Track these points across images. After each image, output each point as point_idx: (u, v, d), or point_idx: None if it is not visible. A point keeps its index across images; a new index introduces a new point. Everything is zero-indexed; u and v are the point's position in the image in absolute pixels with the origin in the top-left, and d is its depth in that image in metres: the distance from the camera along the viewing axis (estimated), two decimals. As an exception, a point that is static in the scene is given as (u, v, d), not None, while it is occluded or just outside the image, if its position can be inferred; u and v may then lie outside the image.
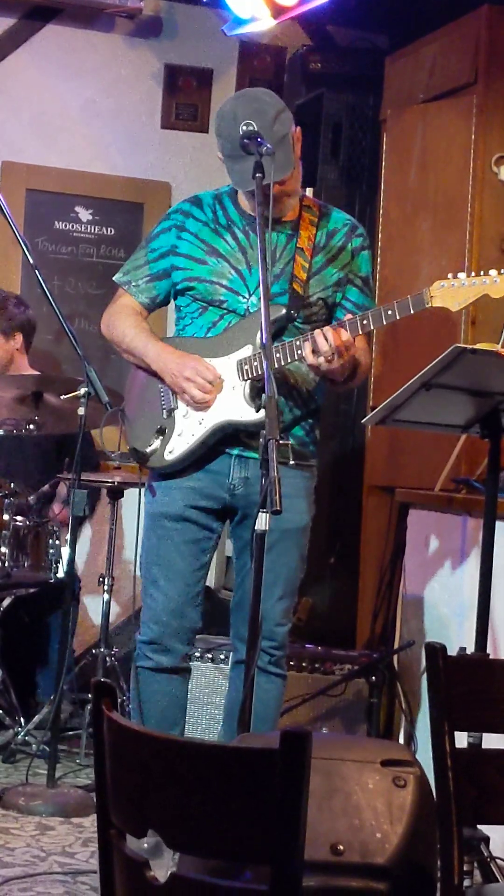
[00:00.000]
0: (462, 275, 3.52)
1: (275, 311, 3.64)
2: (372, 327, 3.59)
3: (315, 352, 3.54)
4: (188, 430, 3.74)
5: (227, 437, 3.72)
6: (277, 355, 3.61)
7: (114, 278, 3.96)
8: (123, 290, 3.91)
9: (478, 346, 3.59)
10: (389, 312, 3.54)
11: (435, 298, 3.52)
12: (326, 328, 3.56)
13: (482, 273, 3.49)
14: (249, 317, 3.69)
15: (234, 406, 3.69)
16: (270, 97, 3.67)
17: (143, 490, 3.87)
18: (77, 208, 6.11)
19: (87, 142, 6.10)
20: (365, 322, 3.57)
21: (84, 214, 6.12)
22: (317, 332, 3.56)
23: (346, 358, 3.56)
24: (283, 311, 3.68)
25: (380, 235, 5.35)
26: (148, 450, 3.77)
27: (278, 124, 3.58)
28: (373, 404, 5.22)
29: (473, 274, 3.51)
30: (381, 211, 5.41)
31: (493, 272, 3.47)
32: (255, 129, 3.52)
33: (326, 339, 3.52)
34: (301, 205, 3.81)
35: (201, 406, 3.71)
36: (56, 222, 6.10)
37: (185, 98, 6.22)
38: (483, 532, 3.66)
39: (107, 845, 1.75)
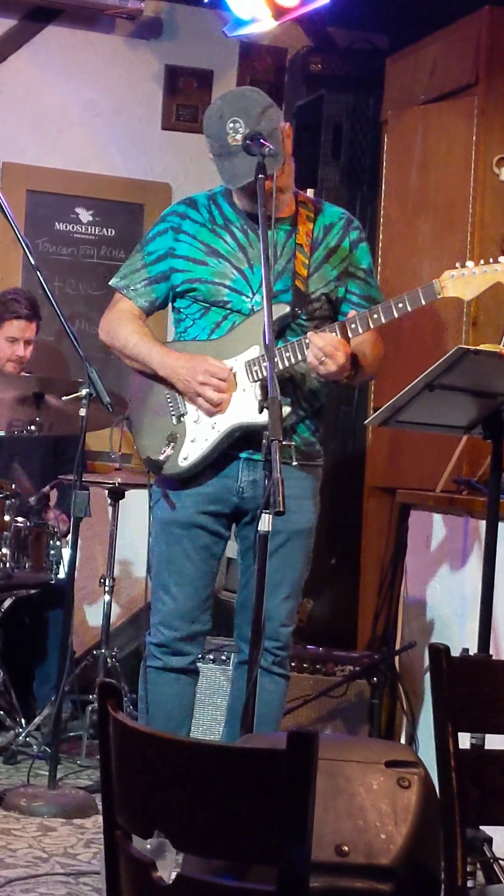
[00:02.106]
0: (470, 263, 3.50)
1: (279, 309, 3.63)
2: (383, 321, 3.55)
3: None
4: (201, 436, 3.72)
5: (238, 440, 3.71)
6: (287, 354, 3.60)
7: (110, 283, 3.94)
8: (121, 294, 3.90)
9: (480, 347, 3.59)
10: (400, 305, 3.52)
11: (446, 289, 3.51)
12: (312, 333, 3.56)
13: (490, 261, 3.48)
14: (254, 316, 3.68)
15: (246, 408, 3.67)
16: (257, 94, 3.69)
17: (149, 492, 3.86)
18: (77, 209, 6.11)
19: (88, 143, 6.10)
20: (375, 316, 3.55)
21: (84, 215, 6.12)
22: (308, 338, 3.55)
23: (343, 359, 3.54)
24: (287, 309, 3.67)
25: (380, 236, 5.35)
26: (161, 458, 3.74)
27: (265, 120, 3.59)
28: (374, 405, 5.22)
29: (482, 262, 3.49)
30: (381, 212, 5.41)
31: (502, 259, 3.46)
32: (241, 126, 3.54)
33: (316, 344, 3.52)
34: (296, 201, 3.82)
35: (217, 408, 3.70)
36: (56, 223, 6.10)
37: (185, 99, 6.22)
38: (485, 533, 3.66)
39: (112, 846, 1.75)
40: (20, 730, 4.88)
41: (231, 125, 3.57)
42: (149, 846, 2.44)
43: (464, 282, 3.49)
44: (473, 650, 3.67)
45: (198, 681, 3.90)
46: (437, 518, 4.81)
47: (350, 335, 3.57)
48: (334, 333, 3.56)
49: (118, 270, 3.95)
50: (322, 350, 3.51)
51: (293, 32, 6.20)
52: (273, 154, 3.50)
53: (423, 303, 3.51)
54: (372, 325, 3.57)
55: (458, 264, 3.51)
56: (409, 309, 3.52)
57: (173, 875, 1.65)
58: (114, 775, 1.74)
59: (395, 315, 3.53)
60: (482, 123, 4.93)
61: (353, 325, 3.57)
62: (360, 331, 3.57)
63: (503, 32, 4.97)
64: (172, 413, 3.77)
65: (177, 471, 3.74)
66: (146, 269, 3.85)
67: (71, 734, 5.05)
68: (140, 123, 6.18)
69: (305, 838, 1.56)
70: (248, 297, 3.72)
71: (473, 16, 5.03)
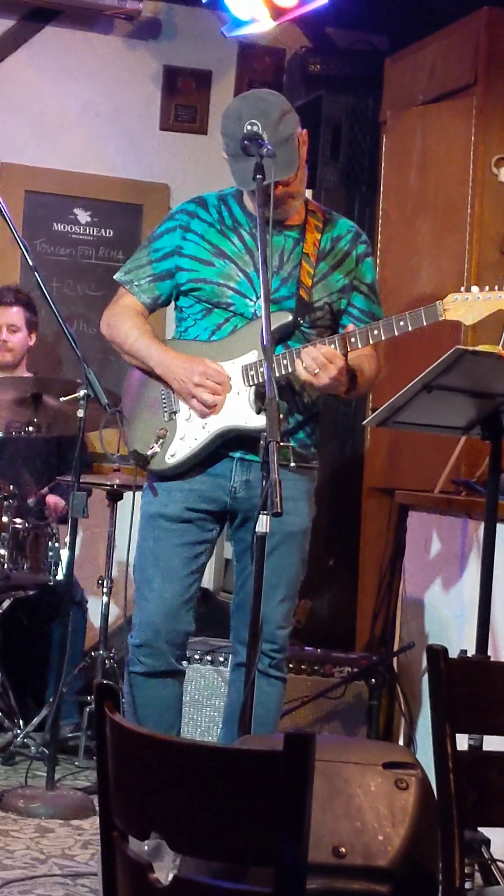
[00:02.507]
0: (475, 289, 3.51)
1: (282, 317, 3.63)
2: (383, 338, 3.56)
3: (305, 368, 3.54)
4: (191, 434, 3.72)
5: (229, 441, 3.71)
6: (284, 362, 3.59)
7: (115, 276, 3.93)
8: (125, 289, 3.88)
9: (479, 347, 3.59)
10: (401, 324, 3.52)
11: (448, 312, 3.51)
12: (309, 346, 3.55)
13: (496, 288, 3.48)
14: (255, 321, 3.66)
15: (239, 411, 3.67)
16: (276, 98, 3.67)
17: (137, 492, 3.86)
18: (76, 210, 6.11)
19: (86, 143, 6.10)
20: (375, 332, 3.56)
21: (83, 216, 6.12)
22: (303, 350, 3.54)
23: (335, 372, 3.53)
24: (290, 317, 3.66)
25: (379, 237, 5.35)
26: (149, 453, 3.74)
27: (283, 125, 3.58)
28: (373, 406, 5.22)
29: (487, 288, 3.50)
30: (380, 212, 5.41)
31: None
32: (259, 129, 3.52)
33: (311, 356, 3.51)
34: (306, 209, 3.80)
35: (211, 411, 3.69)
36: (55, 224, 6.10)
37: (184, 100, 6.21)
38: (484, 534, 3.66)
39: (109, 847, 1.75)
40: (18, 731, 4.87)
41: (249, 127, 3.55)
42: (146, 847, 2.44)
43: (467, 306, 3.50)
44: (472, 651, 3.66)
45: (183, 681, 3.86)
46: (436, 519, 4.81)
47: (349, 349, 3.58)
48: (333, 346, 3.56)
49: (123, 265, 3.93)
50: (315, 361, 3.51)
51: (292, 33, 6.20)
52: (271, 154, 3.49)
53: (425, 323, 3.52)
54: (371, 341, 3.57)
55: (462, 288, 3.52)
56: (409, 328, 3.51)
57: (171, 876, 1.65)
58: (111, 776, 1.74)
59: (396, 333, 3.54)
60: (481, 124, 4.93)
61: (352, 339, 3.57)
62: (360, 345, 3.57)
63: (502, 33, 4.98)
64: (165, 409, 3.77)
65: (162, 467, 3.74)
66: (151, 266, 3.84)
67: (69, 735, 5.04)
68: (138, 124, 6.18)
69: (302, 840, 1.55)
70: (251, 300, 3.71)
71: (472, 16, 5.03)
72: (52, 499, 5.22)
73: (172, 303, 3.91)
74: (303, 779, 1.54)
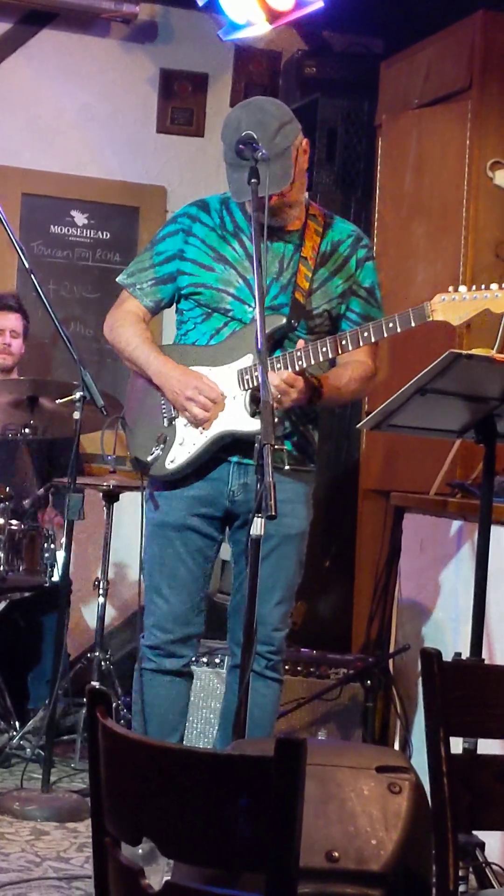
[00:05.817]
0: (463, 288, 3.51)
1: (276, 320, 3.64)
2: (373, 339, 3.57)
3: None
4: (189, 440, 3.73)
5: (226, 445, 3.72)
6: (279, 366, 3.60)
7: (117, 279, 3.94)
8: (127, 292, 3.89)
9: (473, 351, 3.59)
10: (390, 325, 3.54)
11: (436, 312, 3.52)
12: (272, 374, 3.55)
13: (483, 287, 3.49)
14: (252, 325, 3.66)
15: (235, 416, 3.68)
16: (277, 108, 3.66)
17: (143, 494, 3.87)
18: (73, 212, 6.11)
19: (83, 146, 6.10)
20: (366, 335, 3.57)
21: (80, 218, 6.12)
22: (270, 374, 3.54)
23: (296, 395, 3.56)
24: (284, 320, 3.67)
25: (375, 240, 5.35)
26: (149, 459, 3.76)
27: (280, 136, 3.57)
28: (368, 409, 5.22)
29: (474, 288, 3.50)
30: (376, 216, 5.41)
31: (493, 286, 3.47)
32: (257, 139, 3.52)
33: (273, 384, 3.51)
34: (307, 213, 3.80)
35: (200, 424, 3.70)
36: (52, 226, 6.10)
37: (180, 103, 6.22)
38: (478, 536, 3.66)
39: (101, 853, 1.75)
40: (14, 733, 4.87)
41: (245, 136, 3.55)
42: (139, 853, 2.44)
43: (454, 306, 3.50)
44: (467, 654, 3.66)
45: (192, 683, 3.91)
46: (431, 521, 4.81)
47: (340, 352, 3.59)
48: (325, 349, 3.57)
49: (125, 268, 3.94)
50: (276, 388, 3.53)
51: (288, 36, 6.20)
52: (266, 159, 3.48)
53: (413, 324, 3.53)
54: (362, 343, 3.59)
55: (450, 288, 3.53)
56: (398, 329, 3.53)
57: (163, 882, 1.65)
58: (103, 781, 1.74)
59: (385, 334, 3.56)
60: (476, 127, 4.93)
61: (343, 342, 3.58)
62: (351, 348, 3.59)
63: (497, 36, 4.98)
64: (165, 415, 3.78)
65: (163, 472, 3.75)
66: (154, 270, 3.84)
67: (65, 737, 5.04)
68: (135, 127, 6.18)
69: (294, 845, 1.56)
70: (249, 306, 3.71)
71: (467, 20, 5.03)
72: (49, 515, 5.21)
73: (173, 305, 3.92)
74: (294, 784, 1.55)
